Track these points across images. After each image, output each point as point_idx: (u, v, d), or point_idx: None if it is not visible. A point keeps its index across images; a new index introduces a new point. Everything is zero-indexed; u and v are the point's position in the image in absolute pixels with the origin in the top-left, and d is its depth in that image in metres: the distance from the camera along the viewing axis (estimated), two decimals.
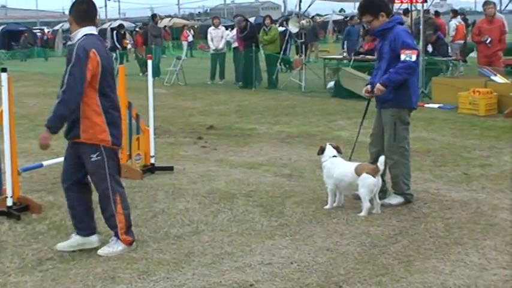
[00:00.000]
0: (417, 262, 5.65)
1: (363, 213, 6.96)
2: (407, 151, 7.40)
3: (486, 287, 5.13)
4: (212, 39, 22.67)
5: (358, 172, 6.99)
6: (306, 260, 5.74)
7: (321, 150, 7.41)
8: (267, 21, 21.59)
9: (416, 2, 16.12)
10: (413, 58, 6.99)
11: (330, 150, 7.35)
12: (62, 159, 8.32)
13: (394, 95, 7.20)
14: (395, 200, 7.32)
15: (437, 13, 25.27)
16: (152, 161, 9.13)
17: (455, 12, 24.71)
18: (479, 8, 29.93)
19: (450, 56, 18.66)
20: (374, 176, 6.93)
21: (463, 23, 23.90)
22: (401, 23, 7.34)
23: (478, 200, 7.48)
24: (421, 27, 17.45)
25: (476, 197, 7.60)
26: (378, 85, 7.20)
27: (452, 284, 5.17)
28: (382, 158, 6.97)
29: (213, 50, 22.66)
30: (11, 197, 7.11)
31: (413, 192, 7.50)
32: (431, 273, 5.39)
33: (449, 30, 18.47)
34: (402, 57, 7.03)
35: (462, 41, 22.89)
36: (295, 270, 5.50)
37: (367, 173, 6.94)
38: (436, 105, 14.93)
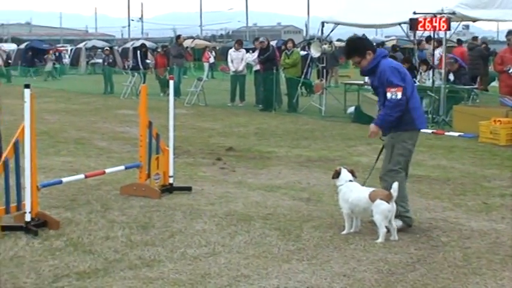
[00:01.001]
0: None
1: (380, 240, 6.92)
2: (400, 173, 7.34)
3: None
4: (232, 61, 22.78)
5: (372, 198, 6.97)
6: (322, 285, 5.71)
7: (336, 174, 7.40)
8: (289, 44, 21.65)
9: (440, 30, 16.08)
10: (399, 96, 7.05)
11: (345, 174, 7.34)
12: (81, 176, 8.43)
13: (395, 123, 7.25)
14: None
15: (459, 41, 25.27)
16: (171, 180, 9.14)
17: (429, 39, 23.33)
18: (502, 38, 29.80)
19: (472, 85, 18.60)
20: (388, 202, 6.90)
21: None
22: (386, 56, 7.37)
23: (497, 230, 7.41)
24: (443, 54, 17.43)
25: (496, 227, 7.54)
26: (371, 126, 7.32)
27: None
28: (395, 185, 6.93)
29: (233, 72, 22.76)
30: (30, 212, 7.14)
31: (413, 215, 7.44)
32: None
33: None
34: (388, 95, 7.12)
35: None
36: None
37: (381, 199, 6.91)
38: (456, 134, 14.86)
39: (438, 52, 18.49)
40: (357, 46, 7.43)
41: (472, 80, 19.00)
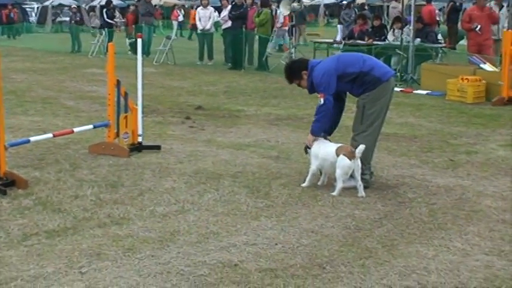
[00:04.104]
0: (401, 246, 5.69)
1: (335, 193, 7.06)
2: (373, 135, 7.44)
3: (468, 272, 5.17)
4: (200, 19, 22.59)
5: (337, 153, 7.06)
6: (290, 241, 5.77)
7: (306, 149, 7.64)
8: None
9: None
10: (322, 101, 7.30)
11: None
12: (49, 135, 8.37)
13: (361, 89, 7.35)
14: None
15: None
16: (140, 139, 9.12)
17: None
18: None
19: (440, 43, 18.67)
20: (350, 159, 6.98)
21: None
22: (314, 67, 7.48)
23: (463, 187, 7.52)
24: (412, 13, 17.49)
25: (462, 184, 7.65)
26: (309, 135, 7.54)
27: (435, 269, 5.21)
28: (361, 147, 7.00)
29: (200, 30, 22.59)
30: None
31: (369, 178, 7.47)
32: (414, 258, 5.43)
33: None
34: (319, 101, 7.41)
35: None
36: (280, 251, 5.53)
37: (344, 154, 7.00)
38: (424, 92, 14.98)
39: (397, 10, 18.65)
40: (293, 71, 7.75)
41: None
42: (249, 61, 20.86)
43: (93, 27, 28.80)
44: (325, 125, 7.48)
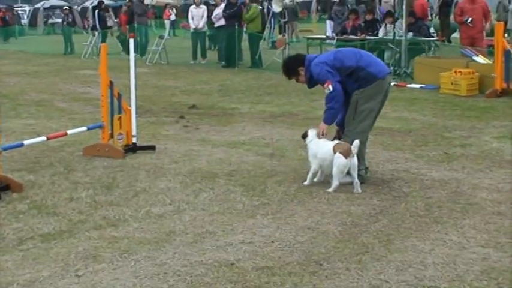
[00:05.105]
0: (397, 241, 5.69)
1: (330, 189, 7.07)
2: (365, 132, 7.47)
3: (465, 265, 5.17)
4: (193, 18, 22.55)
5: (334, 150, 7.06)
6: (287, 238, 5.77)
7: (304, 135, 7.56)
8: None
9: None
10: (330, 88, 7.26)
11: (312, 134, 7.43)
12: (43, 138, 8.35)
13: (356, 84, 7.36)
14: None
15: None
16: (134, 140, 9.10)
17: None
18: None
19: (432, 37, 18.67)
20: (346, 157, 6.97)
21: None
22: (312, 60, 7.51)
23: (458, 180, 7.53)
24: (404, 7, 17.50)
25: (457, 177, 7.65)
26: (321, 124, 7.49)
27: (432, 263, 5.21)
28: (356, 142, 7.00)
29: (193, 29, 22.56)
30: None
31: (364, 174, 7.46)
32: (411, 252, 5.43)
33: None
34: (325, 91, 7.35)
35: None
36: (276, 249, 5.53)
37: (340, 152, 6.99)
38: (418, 86, 14.98)
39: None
40: (289, 68, 7.75)
41: None
42: (239, 58, 20.80)
43: (91, 29, 28.61)
44: (338, 112, 7.41)
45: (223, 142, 9.66)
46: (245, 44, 21.44)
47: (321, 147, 7.27)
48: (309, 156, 7.42)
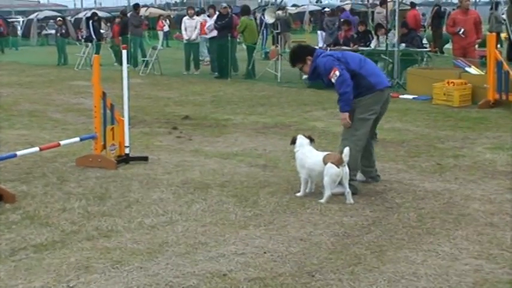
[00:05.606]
0: (390, 252, 5.70)
1: (323, 200, 7.07)
2: (360, 141, 7.49)
3: (457, 276, 5.17)
4: (186, 29, 22.58)
5: (325, 161, 7.07)
6: (279, 249, 5.77)
7: (293, 141, 7.51)
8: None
9: None
10: (337, 73, 7.33)
11: (301, 141, 7.42)
12: (36, 149, 8.34)
13: (356, 92, 7.40)
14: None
15: (412, 4, 25.36)
16: (127, 151, 9.10)
17: (383, 3, 22.36)
18: None
19: (425, 47, 18.74)
20: (338, 167, 6.98)
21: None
22: (320, 54, 7.63)
23: (450, 191, 7.54)
24: (396, 18, 17.57)
25: (449, 188, 7.67)
26: (341, 115, 7.55)
27: (424, 274, 5.22)
28: (346, 150, 7.01)
29: (186, 40, 22.58)
30: None
31: (357, 185, 7.51)
32: (403, 263, 5.44)
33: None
34: (332, 81, 7.41)
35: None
36: (269, 260, 5.52)
37: (332, 162, 7.01)
38: (410, 96, 15.02)
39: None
40: (298, 55, 7.84)
41: None
42: (235, 69, 20.84)
43: (85, 41, 28.58)
44: (351, 96, 7.40)
45: (216, 153, 9.66)
46: (240, 54, 21.50)
47: (308, 156, 7.29)
48: (297, 166, 7.44)
